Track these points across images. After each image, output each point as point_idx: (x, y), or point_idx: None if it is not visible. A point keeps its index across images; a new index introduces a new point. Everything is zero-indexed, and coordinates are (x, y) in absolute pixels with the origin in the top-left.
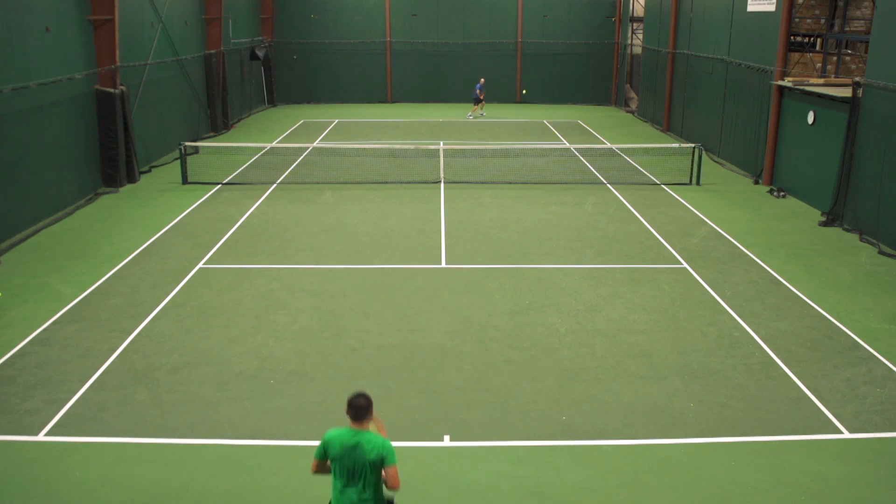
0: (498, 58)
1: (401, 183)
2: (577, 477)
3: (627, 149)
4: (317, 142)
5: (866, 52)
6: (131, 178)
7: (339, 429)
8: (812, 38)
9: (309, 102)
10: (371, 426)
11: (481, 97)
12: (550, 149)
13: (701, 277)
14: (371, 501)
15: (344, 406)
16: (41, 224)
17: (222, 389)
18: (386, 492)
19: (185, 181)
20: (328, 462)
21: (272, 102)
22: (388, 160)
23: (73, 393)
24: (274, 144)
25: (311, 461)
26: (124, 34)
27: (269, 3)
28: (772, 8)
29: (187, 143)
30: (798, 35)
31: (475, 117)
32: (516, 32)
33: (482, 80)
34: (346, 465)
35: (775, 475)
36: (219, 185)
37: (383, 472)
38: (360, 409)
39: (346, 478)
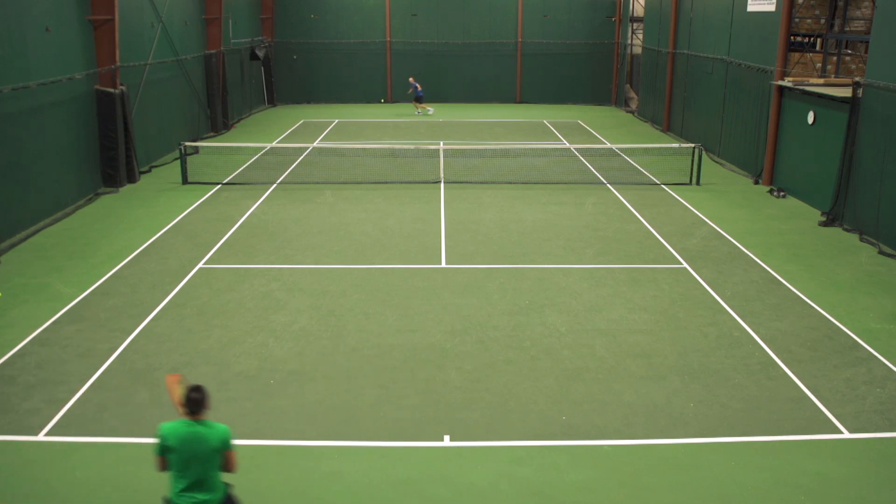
0: (498, 58)
1: (401, 183)
2: (577, 477)
3: (627, 149)
4: (317, 142)
5: (866, 52)
6: (131, 178)
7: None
8: (812, 38)
9: (309, 102)
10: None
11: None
12: (550, 149)
13: (701, 277)
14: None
15: (344, 406)
16: (41, 224)
17: (222, 389)
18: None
19: (185, 181)
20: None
21: (272, 102)
22: (388, 160)
23: (73, 393)
24: (274, 144)
25: (310, 461)
26: (124, 34)
27: (269, 3)
28: (772, 8)
29: (187, 143)
30: (798, 35)
31: (426, 113)
32: (516, 32)
33: (411, 78)
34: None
35: (775, 475)
36: (219, 185)
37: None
38: (196, 403)
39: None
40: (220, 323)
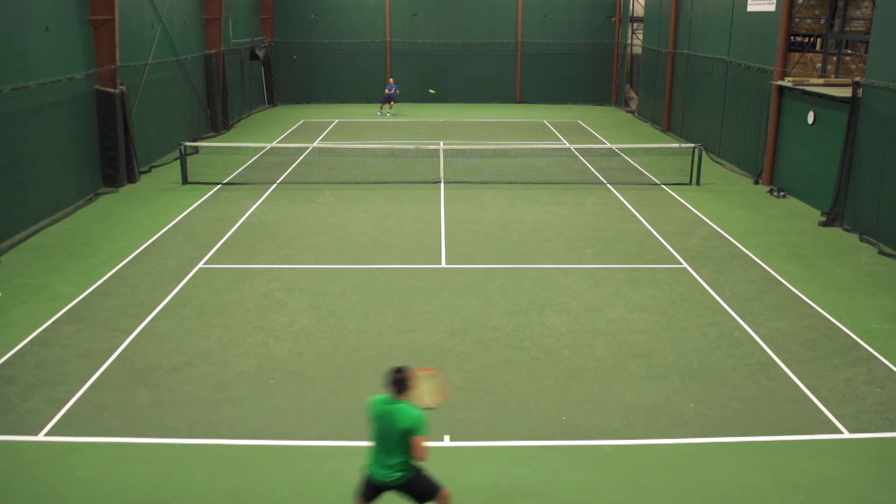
0: (498, 58)
1: (401, 183)
2: (577, 477)
3: (627, 149)
4: (317, 142)
5: (866, 52)
6: (131, 178)
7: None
8: (812, 38)
9: (309, 102)
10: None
11: (388, 92)
12: (550, 149)
13: (701, 277)
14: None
15: (344, 406)
16: (41, 224)
17: (222, 389)
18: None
19: (185, 181)
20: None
21: (272, 102)
22: (388, 160)
23: (73, 393)
24: (274, 144)
25: (310, 461)
26: (124, 34)
27: (269, 3)
28: (772, 8)
29: (187, 143)
30: (798, 35)
31: (385, 115)
32: (516, 32)
33: (391, 79)
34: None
35: (775, 475)
36: (219, 185)
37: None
38: (399, 383)
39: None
40: (220, 323)
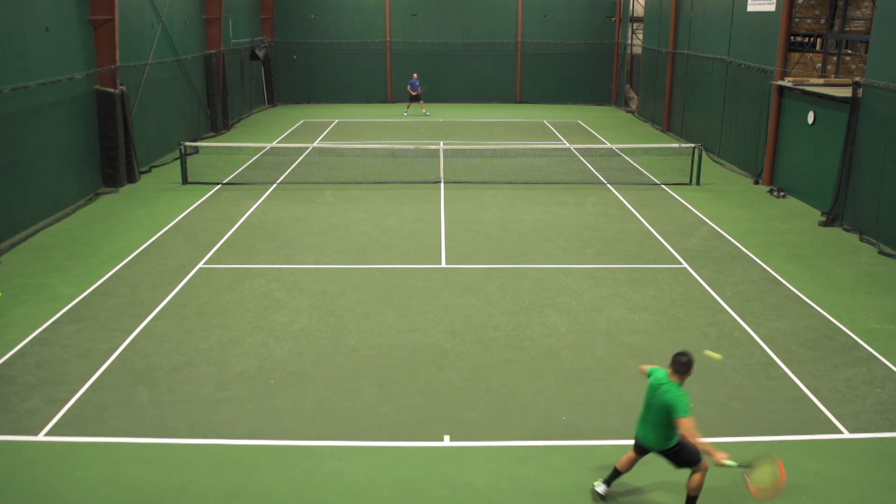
0: (498, 58)
1: (401, 183)
2: (577, 477)
3: (627, 149)
4: (317, 142)
5: (866, 52)
6: (131, 178)
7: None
8: (812, 38)
9: (309, 102)
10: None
11: (415, 93)
12: (550, 149)
13: (701, 277)
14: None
15: (344, 406)
16: (41, 224)
17: (222, 389)
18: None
19: (185, 181)
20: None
21: (272, 102)
22: (388, 160)
23: (73, 393)
24: (274, 144)
25: (310, 461)
26: (124, 34)
27: (269, 3)
28: (772, 8)
29: (187, 143)
30: (798, 35)
31: (423, 114)
32: (516, 32)
33: (415, 75)
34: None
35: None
36: (219, 185)
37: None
38: (679, 364)
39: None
40: (220, 323)
